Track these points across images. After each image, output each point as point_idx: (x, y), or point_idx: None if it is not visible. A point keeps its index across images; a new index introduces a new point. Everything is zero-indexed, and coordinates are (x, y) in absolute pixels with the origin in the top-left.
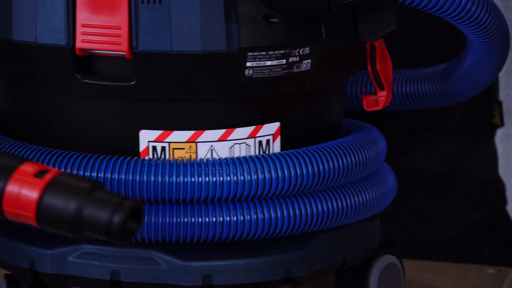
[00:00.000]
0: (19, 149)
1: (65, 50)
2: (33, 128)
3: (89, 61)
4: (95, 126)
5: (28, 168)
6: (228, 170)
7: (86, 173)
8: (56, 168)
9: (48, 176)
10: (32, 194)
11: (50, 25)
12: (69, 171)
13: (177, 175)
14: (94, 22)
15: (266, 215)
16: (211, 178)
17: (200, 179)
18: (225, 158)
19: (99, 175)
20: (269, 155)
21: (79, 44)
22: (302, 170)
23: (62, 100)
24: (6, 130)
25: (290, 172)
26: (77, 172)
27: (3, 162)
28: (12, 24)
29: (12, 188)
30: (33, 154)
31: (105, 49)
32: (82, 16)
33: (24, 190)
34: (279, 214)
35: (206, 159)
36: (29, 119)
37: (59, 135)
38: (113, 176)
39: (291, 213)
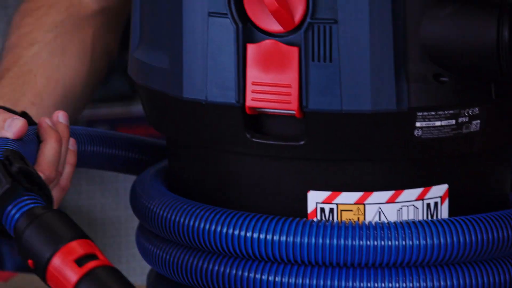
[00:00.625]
0: (188, 208)
1: (235, 108)
2: (200, 186)
3: (258, 119)
4: (262, 186)
5: (76, 247)
6: (396, 234)
7: (254, 235)
8: (218, 228)
9: (88, 266)
10: (69, 280)
11: (220, 83)
12: (237, 232)
13: (346, 238)
14: (264, 80)
15: (436, 284)
16: (379, 242)
17: (368, 243)
18: (394, 222)
19: (268, 236)
20: (438, 220)
21: (249, 103)
22: (471, 237)
23: (230, 159)
24: (172, 187)
25: (459, 238)
26: (245, 233)
27: (60, 231)
28: (182, 81)
29: (55, 262)
30: (202, 213)
31: (275, 107)
32: (253, 74)
33: (64, 271)
34: (448, 282)
35: (375, 222)
36: (196, 177)
37: (225, 193)
38: (281, 238)
39: (459, 282)
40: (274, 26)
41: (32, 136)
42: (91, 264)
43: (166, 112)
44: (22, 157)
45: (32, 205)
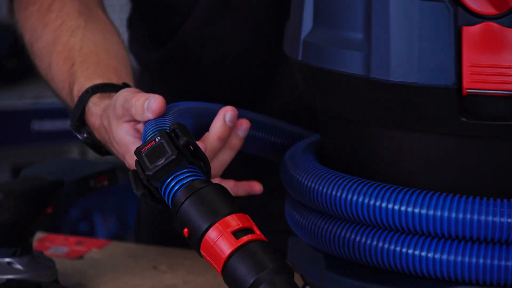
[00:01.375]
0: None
1: (451, 90)
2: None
3: (471, 100)
4: (471, 168)
5: (233, 221)
6: None
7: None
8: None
9: (244, 239)
10: (224, 250)
11: (435, 66)
12: (438, 213)
13: None
14: (482, 62)
15: None
16: None
17: None
18: None
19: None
20: None
21: (467, 85)
22: None
23: (439, 141)
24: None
25: None
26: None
27: (216, 206)
28: (390, 65)
29: (211, 235)
30: (368, 189)
31: (493, 88)
32: (470, 56)
33: (219, 243)
34: None
35: None
36: (369, 155)
37: (429, 176)
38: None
39: None
40: (487, 9)
41: (192, 113)
42: (247, 238)
43: (353, 95)
44: (188, 131)
45: (193, 178)
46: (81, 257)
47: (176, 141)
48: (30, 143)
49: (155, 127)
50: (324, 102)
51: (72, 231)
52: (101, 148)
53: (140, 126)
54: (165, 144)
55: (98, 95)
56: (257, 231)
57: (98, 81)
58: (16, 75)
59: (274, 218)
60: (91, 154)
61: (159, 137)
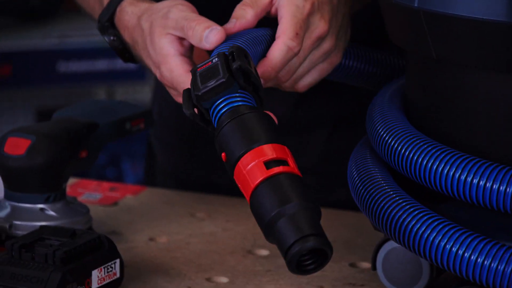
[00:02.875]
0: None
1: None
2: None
3: None
4: None
5: (268, 150)
6: None
7: None
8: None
9: (274, 170)
10: (253, 179)
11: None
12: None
13: None
14: None
15: None
16: None
17: None
18: None
19: None
20: None
21: None
22: None
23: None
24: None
25: None
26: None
27: (257, 132)
28: None
29: (244, 161)
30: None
31: None
32: None
33: (250, 171)
34: None
35: None
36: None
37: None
38: None
39: None
40: None
41: (266, 37)
42: (278, 169)
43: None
44: (247, 55)
45: (240, 103)
46: (115, 203)
47: (231, 64)
48: (56, 85)
49: (221, 48)
50: (440, 49)
51: (99, 176)
52: (126, 53)
53: (187, 43)
54: (219, 65)
55: None
56: (292, 164)
57: None
58: (40, 12)
59: None
60: (119, 97)
61: (216, 58)
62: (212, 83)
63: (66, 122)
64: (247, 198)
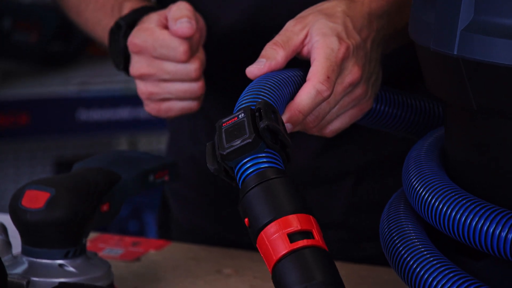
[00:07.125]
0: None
1: None
2: None
3: None
4: None
5: (294, 221)
6: None
7: None
8: None
9: (299, 243)
10: (276, 251)
11: None
12: None
13: None
14: None
15: None
16: None
17: None
18: None
19: None
20: None
21: None
22: None
23: None
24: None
25: None
26: None
27: (283, 201)
28: None
29: (268, 231)
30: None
31: None
32: None
33: (273, 242)
34: None
35: None
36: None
37: None
38: None
39: None
40: None
41: (296, 78)
42: (302, 243)
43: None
44: (275, 110)
45: (266, 165)
46: (138, 259)
47: (258, 122)
48: (76, 134)
49: (249, 98)
50: (480, 98)
51: (120, 229)
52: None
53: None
54: (245, 123)
55: None
56: (317, 236)
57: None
58: (61, 59)
59: None
60: (142, 147)
61: (242, 114)
62: (237, 143)
63: (87, 174)
64: (269, 269)
